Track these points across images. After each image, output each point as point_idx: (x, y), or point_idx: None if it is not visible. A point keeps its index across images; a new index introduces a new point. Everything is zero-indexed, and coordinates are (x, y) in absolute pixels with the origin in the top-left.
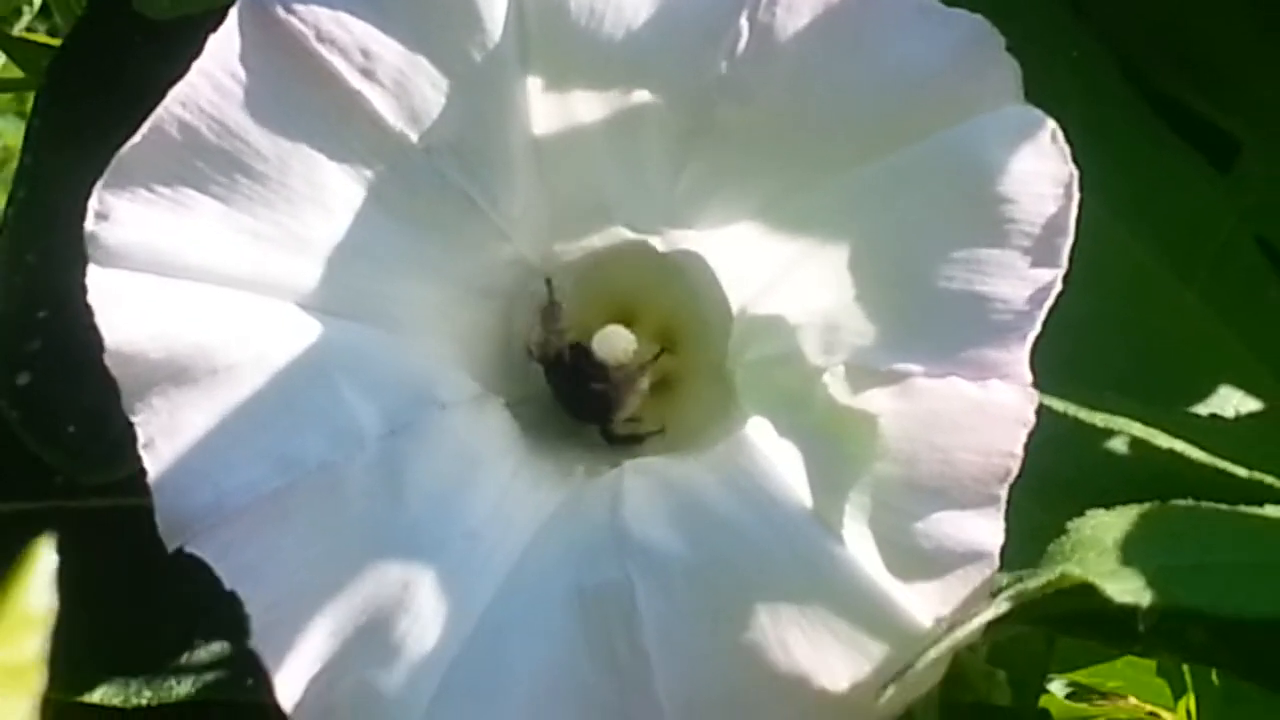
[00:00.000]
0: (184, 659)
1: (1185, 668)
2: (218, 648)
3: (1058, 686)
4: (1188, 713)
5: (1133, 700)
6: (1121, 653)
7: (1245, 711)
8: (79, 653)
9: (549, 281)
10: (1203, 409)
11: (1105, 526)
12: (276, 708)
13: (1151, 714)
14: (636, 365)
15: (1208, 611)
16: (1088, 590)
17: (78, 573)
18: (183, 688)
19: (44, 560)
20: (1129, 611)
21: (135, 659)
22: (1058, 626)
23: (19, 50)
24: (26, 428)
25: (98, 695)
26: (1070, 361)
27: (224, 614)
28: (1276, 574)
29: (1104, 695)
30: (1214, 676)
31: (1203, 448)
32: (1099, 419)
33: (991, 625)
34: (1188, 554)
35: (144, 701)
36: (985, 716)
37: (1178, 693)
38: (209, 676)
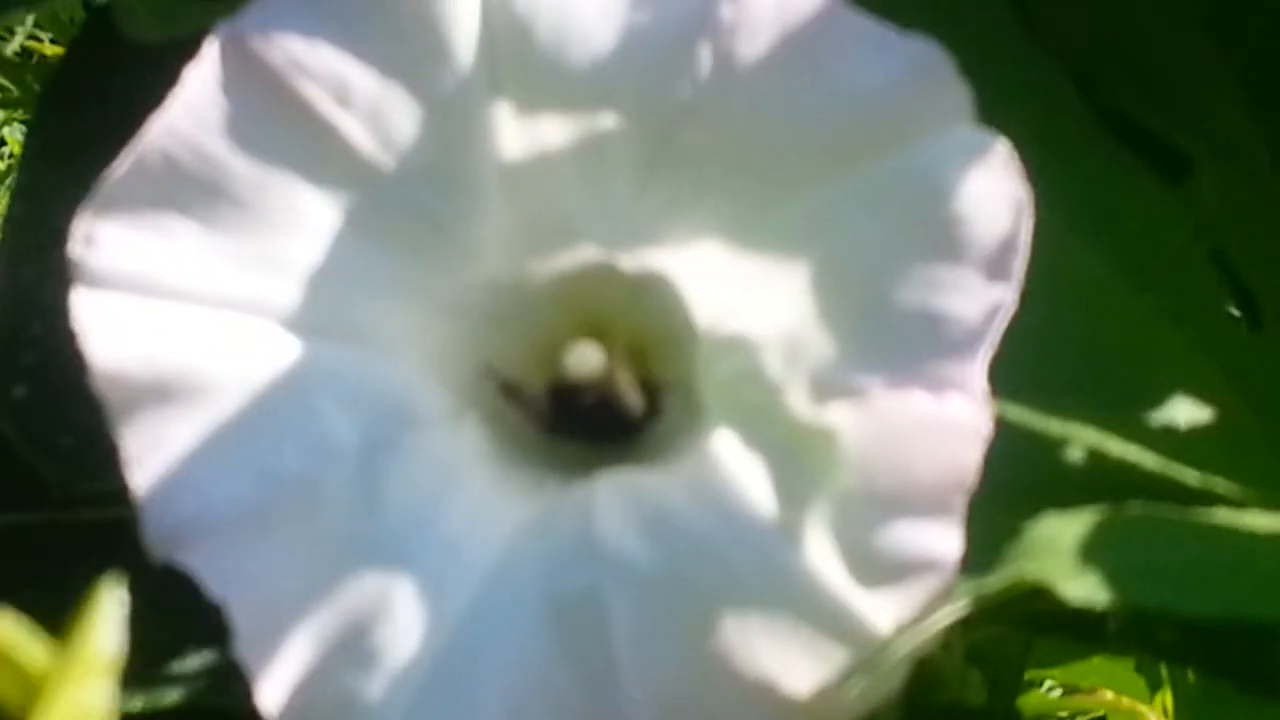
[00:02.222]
0: (174, 667)
1: (1162, 665)
2: (207, 656)
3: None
4: (1164, 709)
5: (1109, 694)
6: (1094, 652)
7: (1221, 706)
8: None
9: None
10: (1157, 418)
11: (1060, 530)
12: (260, 714)
13: (1128, 707)
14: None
15: (1161, 611)
16: (1044, 592)
17: (70, 583)
18: (173, 695)
19: (112, 601)
20: (1099, 612)
21: (127, 667)
22: (1032, 627)
23: (10, 70)
24: (22, 440)
25: None
26: (1028, 371)
27: (213, 623)
28: (1224, 576)
29: (1082, 691)
30: (1190, 673)
31: (1157, 456)
32: (1054, 428)
33: (968, 627)
34: (1140, 556)
35: (135, 709)
36: (959, 716)
37: (1154, 687)
38: (199, 684)
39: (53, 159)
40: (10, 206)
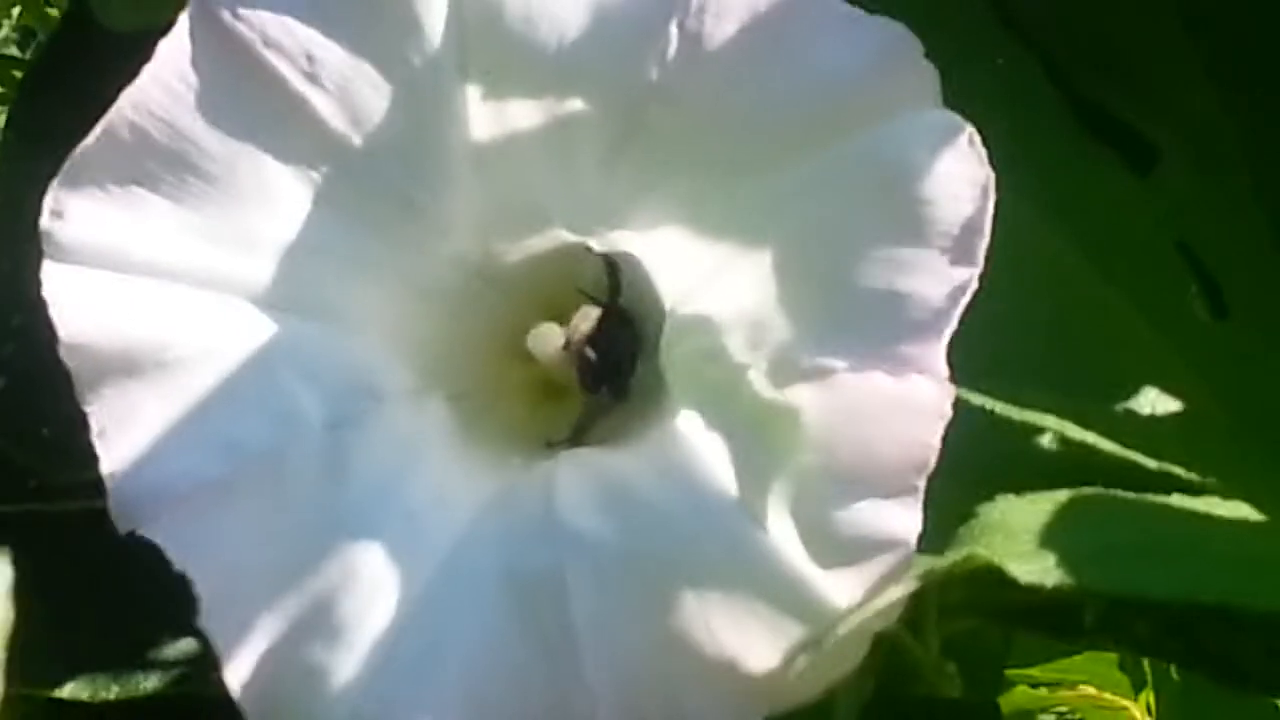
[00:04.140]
0: (151, 655)
1: (1145, 662)
2: (184, 644)
3: None
4: (1148, 706)
5: (1091, 690)
6: (1071, 645)
7: (1203, 702)
8: (47, 650)
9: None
10: (1122, 405)
11: (1013, 511)
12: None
13: (1110, 703)
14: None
15: (1108, 592)
16: (1006, 578)
17: (48, 573)
18: (149, 683)
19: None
20: (1075, 605)
21: (103, 656)
22: (1007, 620)
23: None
24: (2, 430)
25: (66, 691)
26: (994, 357)
27: (190, 611)
28: (1177, 558)
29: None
30: (1173, 670)
31: (1117, 442)
32: (1015, 413)
33: (944, 620)
34: (1093, 538)
35: (111, 696)
36: (935, 709)
37: (1138, 686)
38: (175, 672)
39: (31, 150)
40: None
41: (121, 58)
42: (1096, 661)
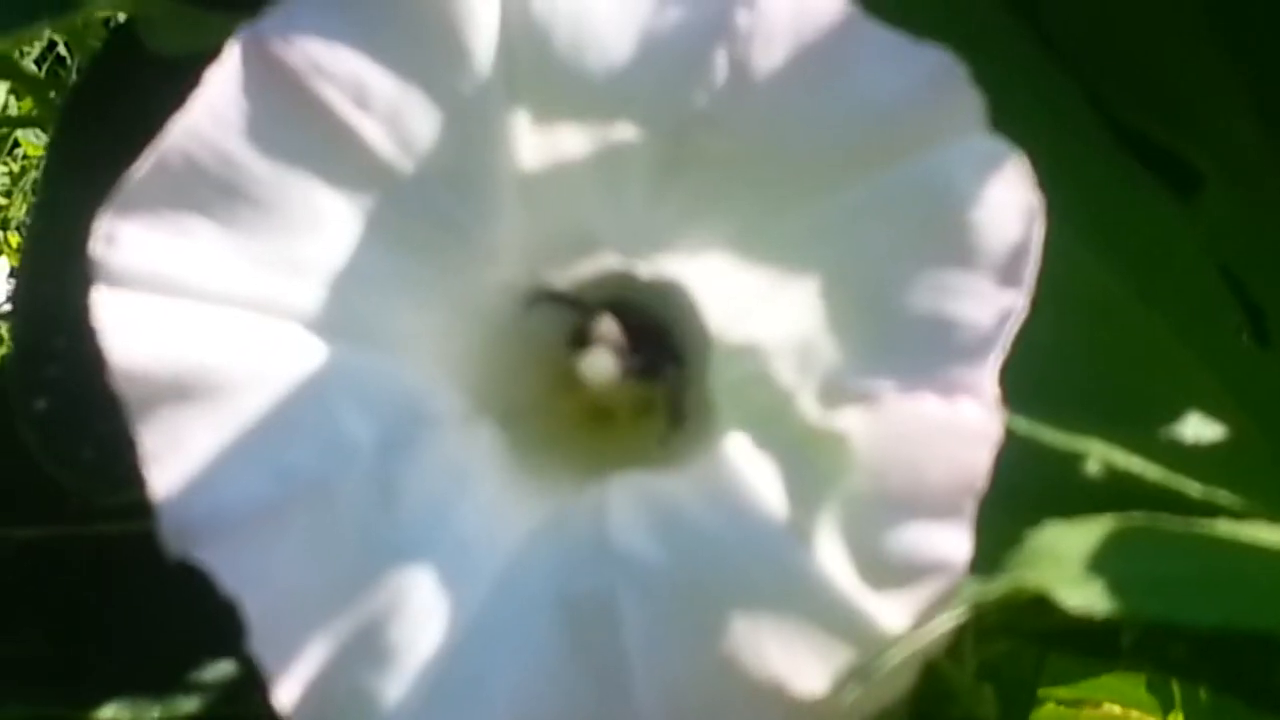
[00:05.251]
0: (190, 678)
1: (1174, 683)
2: (225, 667)
3: None
4: None
5: (1118, 709)
6: (1106, 668)
7: None
8: (88, 672)
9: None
10: (1163, 432)
11: (1061, 537)
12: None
13: None
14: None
15: (1160, 621)
16: (1050, 604)
17: (88, 595)
18: (190, 705)
19: None
20: (1112, 627)
21: (143, 678)
22: (1044, 642)
23: (28, 83)
24: (44, 452)
25: (108, 713)
26: (1035, 383)
27: (228, 635)
28: (1225, 587)
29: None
30: (1201, 693)
31: (1160, 468)
32: (1060, 439)
33: (981, 642)
34: (1142, 566)
35: (153, 718)
36: None
37: (1166, 708)
38: (216, 695)
39: (74, 173)
40: (32, 221)
41: (167, 83)
42: (1124, 681)
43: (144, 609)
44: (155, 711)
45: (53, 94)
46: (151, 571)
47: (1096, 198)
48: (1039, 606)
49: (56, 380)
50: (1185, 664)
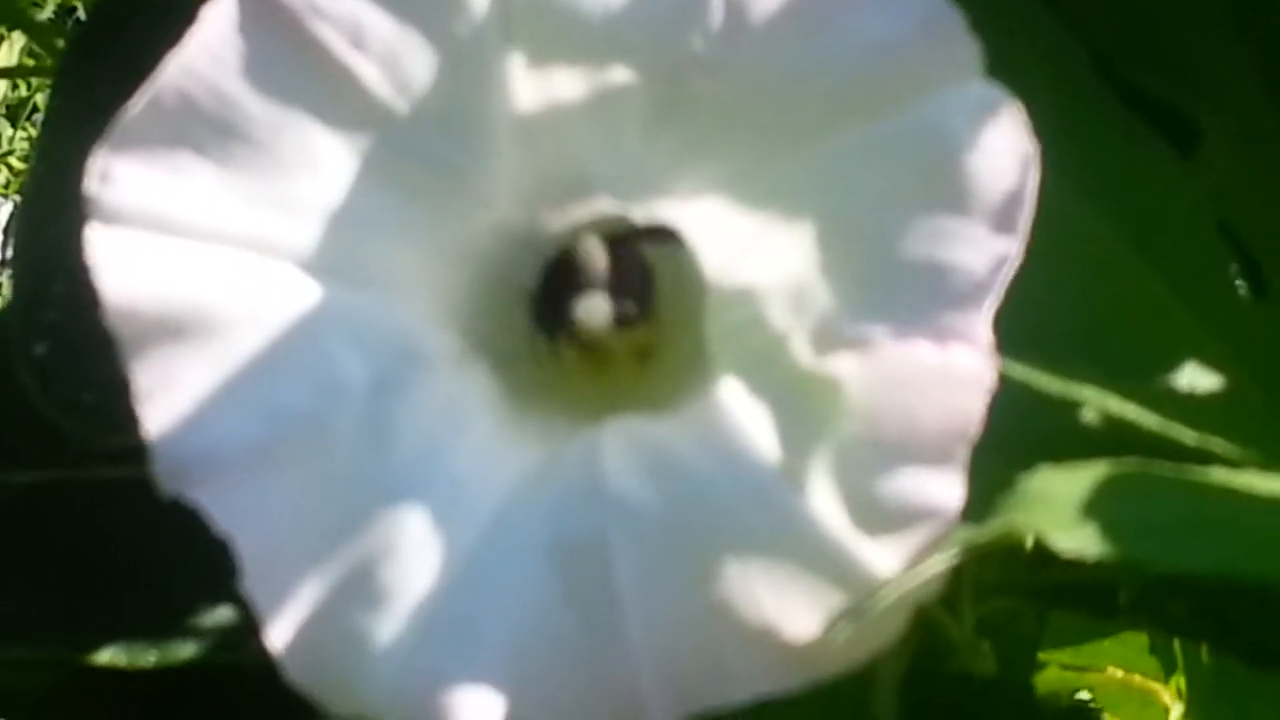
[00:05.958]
0: (188, 623)
1: (1176, 646)
2: (220, 613)
3: None
4: (1179, 690)
5: (1120, 673)
6: (1105, 625)
7: (1233, 686)
8: (86, 616)
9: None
10: (1160, 381)
11: (1054, 482)
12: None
13: (1141, 685)
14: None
15: (1149, 565)
16: (1043, 556)
17: (86, 540)
18: (187, 650)
19: None
20: (1111, 584)
21: (140, 622)
22: (1042, 599)
23: (42, 36)
24: (44, 395)
25: (105, 657)
26: (1032, 333)
27: (226, 580)
28: (1218, 533)
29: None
30: (1204, 654)
31: (1154, 415)
32: (1054, 385)
33: (980, 598)
34: (1135, 511)
35: (149, 663)
36: (969, 686)
37: (1168, 670)
38: (213, 640)
39: (76, 119)
40: (34, 166)
41: (167, 25)
42: (1127, 646)
43: (142, 553)
44: (152, 655)
45: (61, 44)
46: (150, 516)
47: (1096, 152)
48: (1035, 562)
49: (56, 325)
50: (1183, 621)
